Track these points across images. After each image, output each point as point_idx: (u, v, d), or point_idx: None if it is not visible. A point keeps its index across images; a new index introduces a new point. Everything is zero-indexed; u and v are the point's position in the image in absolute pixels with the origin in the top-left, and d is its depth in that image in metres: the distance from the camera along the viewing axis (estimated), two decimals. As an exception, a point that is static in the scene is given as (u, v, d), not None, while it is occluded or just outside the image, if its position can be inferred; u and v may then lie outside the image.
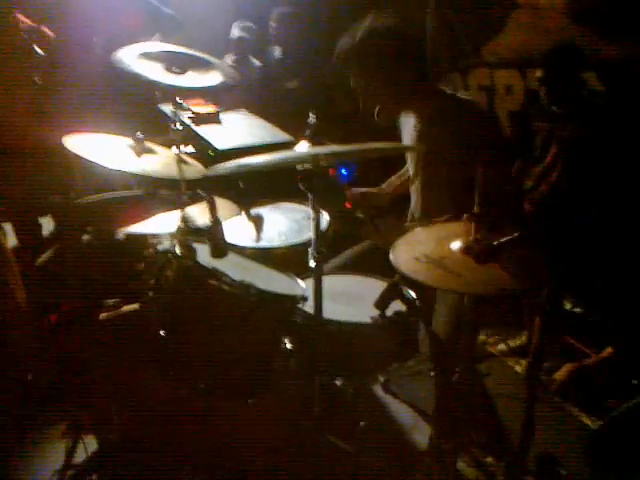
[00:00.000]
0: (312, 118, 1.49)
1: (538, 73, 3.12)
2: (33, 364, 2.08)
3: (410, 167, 2.44)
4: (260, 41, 4.98)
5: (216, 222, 1.58)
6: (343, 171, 2.98)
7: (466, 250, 1.60)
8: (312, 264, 1.54)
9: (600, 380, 2.74)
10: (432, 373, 2.68)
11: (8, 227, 3.17)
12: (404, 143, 2.44)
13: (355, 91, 2.41)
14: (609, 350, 2.78)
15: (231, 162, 1.60)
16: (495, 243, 1.47)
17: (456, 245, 1.65)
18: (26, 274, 2.39)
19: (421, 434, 2.48)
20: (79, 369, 2.09)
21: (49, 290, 2.41)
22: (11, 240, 3.16)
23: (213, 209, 1.58)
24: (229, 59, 4.80)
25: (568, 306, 3.33)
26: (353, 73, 2.35)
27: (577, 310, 3.22)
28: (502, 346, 3.36)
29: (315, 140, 1.49)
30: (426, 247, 1.69)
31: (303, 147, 1.53)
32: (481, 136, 2.19)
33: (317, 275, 1.52)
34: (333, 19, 4.47)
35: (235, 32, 4.86)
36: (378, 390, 2.70)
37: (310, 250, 1.56)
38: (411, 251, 1.68)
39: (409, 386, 2.78)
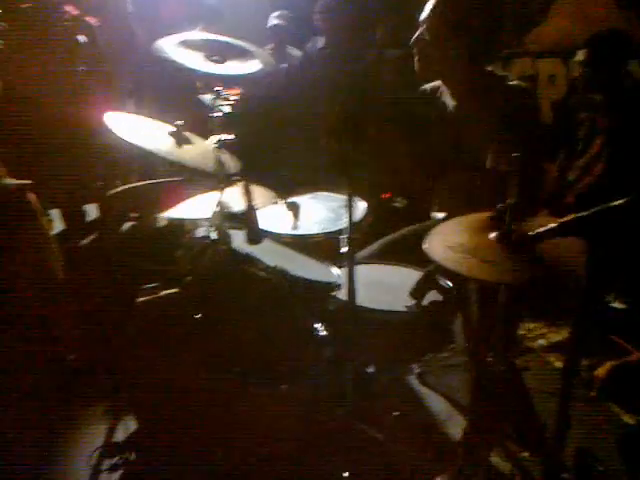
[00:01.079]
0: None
1: (579, 56, 3.02)
2: (73, 344, 2.14)
3: None
4: (298, 30, 4.97)
5: (251, 208, 1.59)
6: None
7: (501, 240, 1.58)
8: (344, 250, 1.53)
9: (641, 378, 2.68)
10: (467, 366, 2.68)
11: (55, 213, 3.27)
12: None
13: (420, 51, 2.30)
14: (651, 348, 2.71)
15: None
16: (532, 233, 1.44)
17: (491, 234, 1.63)
18: (70, 258, 2.46)
19: (455, 426, 2.47)
20: (118, 351, 2.14)
21: (91, 273, 2.47)
22: (58, 226, 3.26)
23: (248, 195, 1.59)
24: (267, 49, 4.80)
25: (612, 302, 3.26)
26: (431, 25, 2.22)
27: (620, 306, 3.13)
28: (542, 341, 3.31)
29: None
30: (460, 236, 1.67)
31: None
32: (524, 123, 2.12)
33: (349, 261, 1.52)
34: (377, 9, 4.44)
35: (271, 21, 4.87)
36: (413, 380, 2.70)
37: (343, 237, 1.55)
38: (445, 240, 1.67)
39: (444, 378, 2.77)
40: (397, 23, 4.39)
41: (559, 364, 3.14)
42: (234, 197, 1.79)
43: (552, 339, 3.36)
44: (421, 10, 2.33)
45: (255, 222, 1.60)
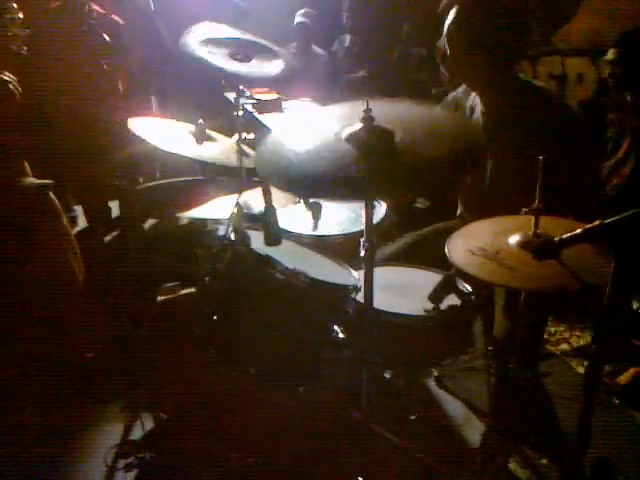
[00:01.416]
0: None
1: (610, 55, 2.96)
2: (90, 342, 2.16)
3: None
4: (323, 28, 4.96)
5: (270, 209, 1.59)
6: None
7: (524, 245, 1.55)
8: (362, 253, 1.52)
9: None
10: (487, 369, 2.64)
11: (79, 210, 3.31)
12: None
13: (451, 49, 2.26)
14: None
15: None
16: (556, 239, 1.41)
17: (514, 239, 1.60)
18: (92, 255, 2.48)
19: (473, 431, 2.44)
20: (135, 349, 2.15)
21: (111, 270, 2.49)
22: (81, 222, 3.29)
23: (268, 196, 1.58)
24: (291, 47, 4.81)
25: (636, 306, 3.19)
26: (457, 26, 2.14)
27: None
28: (565, 345, 3.26)
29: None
30: (482, 240, 1.64)
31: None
32: (555, 128, 2.07)
33: (368, 264, 1.50)
34: (402, 7, 4.42)
35: (296, 19, 4.87)
36: (431, 384, 2.68)
37: (362, 240, 1.54)
38: (466, 244, 1.64)
39: (463, 381, 2.74)
40: (422, 21, 4.36)
41: (581, 369, 3.09)
42: (254, 198, 1.79)
43: (575, 343, 3.31)
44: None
45: (275, 223, 1.59)
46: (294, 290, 1.64)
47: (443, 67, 2.26)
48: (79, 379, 2.09)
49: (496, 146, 2.15)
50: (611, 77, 2.93)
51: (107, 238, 2.90)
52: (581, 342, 3.32)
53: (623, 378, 2.75)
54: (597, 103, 3.53)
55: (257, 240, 1.70)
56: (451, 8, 2.15)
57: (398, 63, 4.47)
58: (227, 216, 1.88)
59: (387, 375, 1.94)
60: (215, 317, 1.69)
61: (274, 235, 1.62)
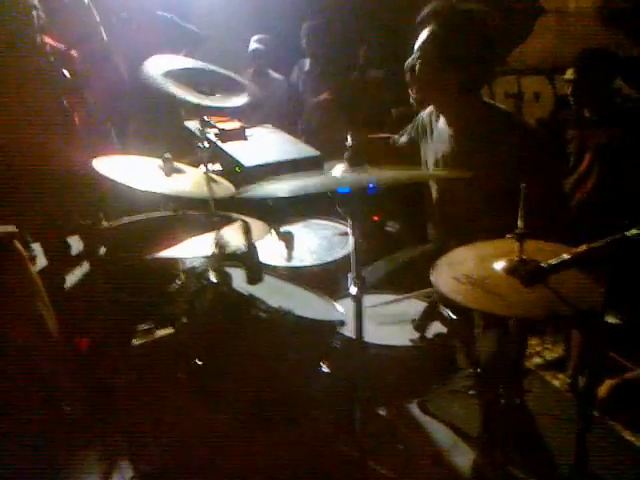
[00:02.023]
0: (350, 139, 1.42)
1: (568, 74, 3.04)
2: (66, 391, 2.06)
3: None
4: (279, 53, 4.97)
5: (252, 248, 1.54)
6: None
7: (511, 271, 1.54)
8: (353, 291, 1.48)
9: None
10: (470, 392, 2.63)
11: (37, 247, 3.18)
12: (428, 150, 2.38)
13: (416, 77, 2.21)
14: (651, 363, 2.70)
15: (266, 185, 1.55)
16: (545, 265, 1.40)
17: (499, 265, 1.59)
18: (55, 298, 2.38)
19: (461, 455, 2.42)
20: (113, 395, 2.06)
21: (79, 314, 2.39)
22: (40, 261, 3.16)
23: (248, 234, 1.54)
24: (248, 73, 4.80)
25: (610, 319, 3.25)
26: (429, 44, 2.16)
27: (614, 321, 3.12)
28: (538, 359, 3.28)
29: (355, 164, 1.43)
30: (467, 267, 1.63)
31: (340, 170, 1.47)
32: (524, 150, 2.09)
33: (358, 303, 1.47)
34: (360, 30, 4.46)
35: (252, 45, 4.87)
36: (414, 410, 2.65)
37: (350, 276, 1.51)
38: (451, 271, 1.62)
39: (446, 405, 2.72)
40: (380, 44, 4.41)
41: (556, 382, 3.12)
42: (231, 235, 1.74)
43: (548, 356, 3.34)
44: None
45: (257, 262, 1.55)
46: (280, 329, 1.59)
47: (411, 88, 2.25)
48: (56, 426, 1.98)
49: (465, 170, 2.16)
50: (571, 95, 3.01)
51: (70, 277, 2.78)
52: (554, 355, 3.35)
53: (601, 390, 2.77)
54: (555, 120, 3.61)
55: (237, 278, 1.64)
56: (428, 21, 2.15)
57: (356, 85, 4.50)
58: (203, 254, 1.82)
59: (382, 413, 1.90)
60: (199, 361, 1.63)
61: (256, 273, 1.57)
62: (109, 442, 2.05)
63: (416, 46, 2.16)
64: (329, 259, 2.41)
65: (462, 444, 2.46)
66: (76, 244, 3.10)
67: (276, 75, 4.94)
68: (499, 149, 2.08)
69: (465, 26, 2.09)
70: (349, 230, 1.48)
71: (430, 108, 2.40)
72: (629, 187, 2.80)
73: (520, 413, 2.38)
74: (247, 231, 1.55)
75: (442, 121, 2.34)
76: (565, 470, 2.35)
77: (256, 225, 2.18)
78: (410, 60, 2.18)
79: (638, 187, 2.73)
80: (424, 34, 2.14)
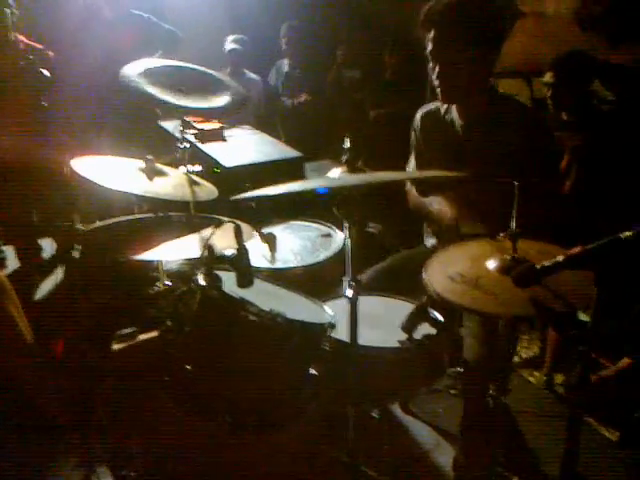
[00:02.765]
0: (347, 142, 1.41)
1: (547, 78, 3.08)
2: (43, 398, 1.99)
3: None
4: (255, 54, 4.95)
5: (243, 250, 1.51)
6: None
7: (504, 270, 1.55)
8: (348, 294, 1.47)
9: (618, 392, 2.70)
10: (452, 391, 2.64)
11: (9, 251, 3.09)
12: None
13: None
14: (626, 361, 2.74)
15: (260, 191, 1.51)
16: (538, 266, 1.41)
17: (492, 264, 1.60)
18: (27, 302, 2.30)
19: (444, 455, 2.43)
20: (92, 401, 2.00)
21: (54, 317, 2.32)
22: (11, 264, 3.07)
23: (239, 237, 1.51)
24: (225, 73, 4.76)
25: (582, 317, 3.30)
26: (444, 33, 2.08)
27: (586, 319, 3.17)
28: (515, 357, 3.32)
29: (352, 166, 1.42)
30: (460, 266, 1.63)
31: (337, 173, 1.45)
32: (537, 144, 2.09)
33: (353, 305, 1.46)
34: (335, 31, 4.46)
35: (227, 45, 4.84)
36: (397, 410, 2.65)
37: (345, 279, 1.49)
38: (445, 270, 1.62)
39: (428, 404, 2.73)
40: (358, 44, 4.42)
41: (533, 379, 3.16)
42: (219, 237, 1.70)
43: (524, 354, 3.38)
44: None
45: (248, 264, 1.52)
46: (271, 332, 1.56)
47: (441, 86, 2.16)
48: (33, 432, 1.92)
49: (477, 159, 2.13)
50: (550, 98, 3.05)
51: (44, 282, 2.71)
52: (530, 353, 3.40)
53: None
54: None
55: (227, 281, 1.61)
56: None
57: (333, 85, 4.51)
58: (184, 257, 1.79)
59: (375, 415, 1.89)
60: (188, 366, 1.59)
61: (247, 276, 1.54)
62: (88, 447, 2.00)
63: (431, 35, 2.11)
64: (313, 261, 2.40)
65: (444, 443, 2.48)
66: (49, 247, 3.04)
67: (252, 75, 4.91)
68: (512, 140, 2.07)
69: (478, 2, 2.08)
70: (345, 233, 1.47)
71: (421, 112, 2.40)
72: (607, 188, 2.84)
73: (502, 411, 2.39)
74: (239, 234, 1.52)
75: (454, 115, 2.29)
76: (548, 467, 2.39)
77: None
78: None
79: (616, 188, 2.78)
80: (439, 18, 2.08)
